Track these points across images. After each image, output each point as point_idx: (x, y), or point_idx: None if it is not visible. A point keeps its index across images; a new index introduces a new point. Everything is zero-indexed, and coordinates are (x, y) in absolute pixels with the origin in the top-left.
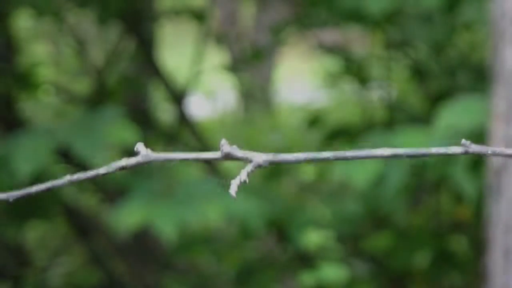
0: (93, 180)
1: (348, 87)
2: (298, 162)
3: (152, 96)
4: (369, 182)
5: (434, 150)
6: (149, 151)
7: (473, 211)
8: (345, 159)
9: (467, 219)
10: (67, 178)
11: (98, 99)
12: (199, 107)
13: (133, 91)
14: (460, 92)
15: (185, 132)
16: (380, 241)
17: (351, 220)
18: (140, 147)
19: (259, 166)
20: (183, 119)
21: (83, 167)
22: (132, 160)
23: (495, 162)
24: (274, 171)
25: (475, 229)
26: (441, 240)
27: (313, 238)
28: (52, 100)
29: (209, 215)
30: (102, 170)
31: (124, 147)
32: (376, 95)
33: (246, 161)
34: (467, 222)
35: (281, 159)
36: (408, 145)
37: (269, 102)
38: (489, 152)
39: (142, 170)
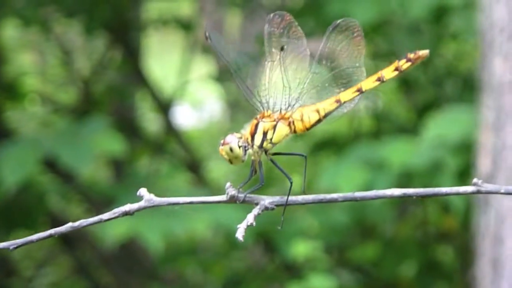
0: (80, 190)
1: None
2: (306, 203)
3: (139, 106)
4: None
5: (445, 189)
6: (152, 196)
7: (459, 222)
8: (354, 200)
9: (453, 229)
10: (69, 225)
11: (84, 109)
12: (185, 117)
13: (120, 101)
14: (448, 103)
15: (171, 142)
16: (367, 251)
17: (338, 231)
18: (143, 191)
19: (266, 209)
20: (170, 129)
21: (69, 177)
22: (135, 206)
23: (483, 172)
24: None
25: (462, 240)
26: (427, 250)
27: (300, 248)
28: (38, 110)
29: (196, 225)
30: (105, 216)
31: (110, 157)
32: (363, 105)
33: (252, 204)
34: (453, 232)
35: (289, 201)
36: (395, 155)
37: (256, 112)
38: (502, 191)
39: (128, 180)
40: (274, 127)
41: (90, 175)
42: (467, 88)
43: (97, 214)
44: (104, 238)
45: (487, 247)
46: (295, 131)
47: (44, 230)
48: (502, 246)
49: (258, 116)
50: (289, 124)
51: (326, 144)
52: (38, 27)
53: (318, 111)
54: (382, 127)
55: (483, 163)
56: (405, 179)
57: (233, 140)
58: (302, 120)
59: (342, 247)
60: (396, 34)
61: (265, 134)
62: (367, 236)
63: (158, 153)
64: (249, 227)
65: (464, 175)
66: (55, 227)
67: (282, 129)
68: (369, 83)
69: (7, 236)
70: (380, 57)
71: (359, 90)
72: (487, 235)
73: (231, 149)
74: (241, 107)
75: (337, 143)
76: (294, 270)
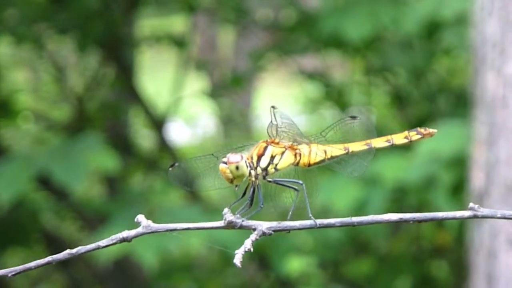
0: (73, 207)
1: (329, 112)
2: (303, 228)
3: (132, 122)
4: (351, 207)
5: (441, 214)
6: (150, 222)
7: (453, 237)
8: (352, 225)
9: (448, 244)
10: (67, 252)
11: (78, 125)
12: (179, 133)
13: (113, 117)
14: (441, 118)
15: (165, 158)
16: (361, 267)
17: (332, 246)
18: (140, 218)
19: (263, 234)
20: (164, 145)
21: (63, 194)
22: (132, 232)
23: (476, 186)
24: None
25: (456, 254)
26: (422, 265)
27: (294, 264)
28: (32, 127)
29: (191, 242)
30: (103, 243)
31: (104, 174)
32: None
33: (250, 229)
34: (448, 247)
35: (286, 226)
36: (389, 170)
37: (249, 128)
38: (499, 215)
39: (122, 197)
40: (282, 153)
41: (84, 192)
42: (460, 103)
43: (90, 231)
44: (98, 255)
45: (481, 261)
46: (298, 164)
47: (38, 247)
48: (496, 261)
49: (267, 140)
50: (295, 155)
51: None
52: (31, 44)
53: (325, 152)
54: None
55: (477, 177)
56: (400, 194)
57: (240, 159)
58: (309, 155)
59: (337, 262)
60: (389, 50)
61: (272, 158)
62: (362, 251)
63: (152, 170)
64: (246, 252)
65: (458, 189)
66: (49, 244)
67: (289, 158)
68: (379, 142)
69: (2, 252)
70: (373, 73)
71: (368, 145)
72: (481, 249)
73: (237, 168)
74: (234, 123)
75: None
76: (288, 286)
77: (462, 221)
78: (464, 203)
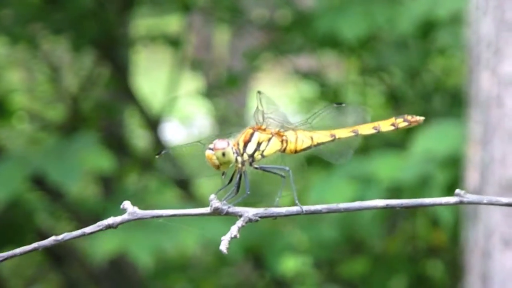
0: (69, 207)
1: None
2: (290, 215)
3: (127, 122)
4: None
5: (428, 200)
6: (136, 209)
7: (449, 236)
8: (338, 211)
9: (443, 243)
10: (53, 238)
11: (72, 125)
12: (174, 133)
13: (108, 117)
14: (436, 117)
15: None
16: (356, 266)
17: (327, 246)
18: (126, 204)
19: (249, 221)
20: (159, 145)
21: (58, 194)
22: (118, 218)
23: (471, 186)
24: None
25: (451, 254)
26: (417, 265)
27: (290, 264)
28: (27, 127)
29: (186, 241)
30: (88, 230)
31: (99, 174)
32: (351, 120)
33: (236, 216)
34: (443, 247)
35: (272, 212)
36: (383, 170)
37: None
38: (485, 201)
39: (117, 197)
40: (269, 140)
41: (79, 192)
42: (455, 102)
43: None
44: (93, 254)
45: (476, 261)
46: (284, 150)
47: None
48: (491, 260)
49: (254, 126)
50: (281, 142)
51: (315, 159)
52: (26, 44)
53: (312, 139)
54: (370, 141)
55: (471, 177)
56: (394, 194)
57: (226, 146)
58: (295, 142)
59: (332, 262)
60: (384, 50)
61: (259, 144)
62: (357, 251)
63: (147, 170)
64: (233, 239)
65: (453, 189)
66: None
67: (275, 144)
68: (365, 128)
69: None
70: (368, 73)
71: (355, 132)
72: (476, 249)
73: (223, 154)
74: (229, 123)
75: None
76: (283, 286)
77: (457, 220)
78: None
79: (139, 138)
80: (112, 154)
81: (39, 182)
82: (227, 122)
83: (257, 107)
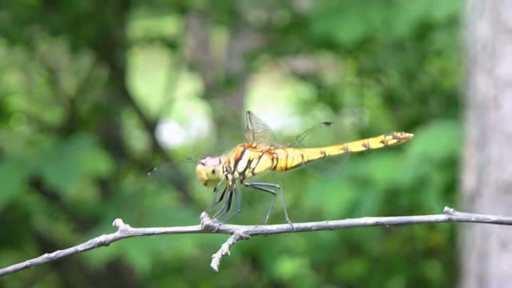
0: (66, 209)
1: (321, 113)
2: (280, 232)
3: (125, 124)
4: (343, 209)
5: (417, 218)
6: (127, 226)
7: (446, 237)
8: (328, 228)
9: (440, 245)
10: (45, 256)
11: (70, 127)
12: (172, 135)
13: (106, 119)
14: (432, 119)
15: (158, 160)
16: (354, 268)
17: (325, 248)
18: (118, 222)
19: (240, 238)
20: (156, 147)
21: (55, 196)
22: (110, 236)
23: (468, 188)
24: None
25: (449, 255)
26: (415, 266)
27: (287, 266)
28: (24, 129)
29: (183, 243)
30: (80, 247)
31: (97, 176)
32: (348, 121)
33: (227, 233)
34: (440, 248)
35: (263, 230)
36: (380, 172)
37: (242, 129)
38: (473, 219)
39: (115, 199)
40: (260, 157)
41: (76, 194)
42: (451, 104)
43: (83, 233)
44: (90, 257)
45: (473, 263)
46: (275, 168)
47: (30, 250)
48: (487, 262)
49: (244, 144)
50: (272, 159)
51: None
52: (23, 46)
53: (302, 156)
54: None
55: (468, 178)
56: (392, 196)
57: (217, 163)
58: (286, 159)
59: (330, 264)
60: (381, 52)
61: (249, 162)
62: (355, 252)
63: (145, 172)
64: (223, 256)
65: (450, 190)
66: (41, 246)
67: (266, 162)
68: (355, 145)
69: None
70: (365, 74)
71: (345, 149)
72: (473, 251)
73: (213, 172)
74: (227, 124)
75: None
76: None
77: (454, 222)
78: (456, 204)
79: (137, 140)
80: (110, 156)
81: (37, 184)
82: (225, 124)
83: (247, 126)
